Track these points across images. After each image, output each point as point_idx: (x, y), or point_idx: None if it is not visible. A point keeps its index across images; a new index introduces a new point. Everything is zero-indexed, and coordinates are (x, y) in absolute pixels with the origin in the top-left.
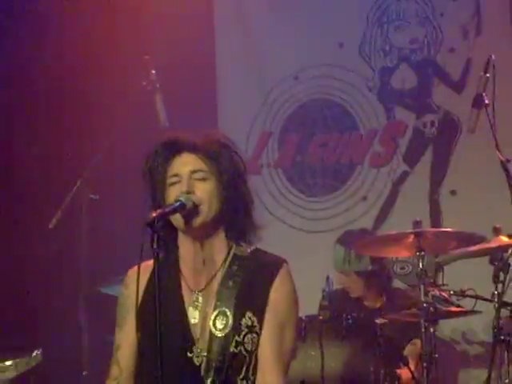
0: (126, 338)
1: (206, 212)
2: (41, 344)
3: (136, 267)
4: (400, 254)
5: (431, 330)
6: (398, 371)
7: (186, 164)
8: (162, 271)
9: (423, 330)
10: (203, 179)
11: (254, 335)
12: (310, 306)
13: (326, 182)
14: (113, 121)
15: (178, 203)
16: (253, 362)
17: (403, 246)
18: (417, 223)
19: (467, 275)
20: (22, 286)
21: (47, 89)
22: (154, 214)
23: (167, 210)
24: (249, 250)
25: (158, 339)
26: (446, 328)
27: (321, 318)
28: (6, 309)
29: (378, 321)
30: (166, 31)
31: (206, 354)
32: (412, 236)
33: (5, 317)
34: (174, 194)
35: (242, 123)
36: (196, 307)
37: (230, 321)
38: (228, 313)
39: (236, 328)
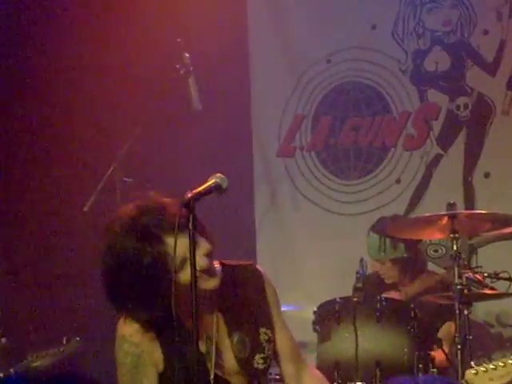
0: None
1: (220, 274)
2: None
3: (131, 326)
4: (434, 236)
5: (465, 312)
6: (432, 353)
7: (205, 247)
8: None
9: (457, 312)
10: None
11: (272, 343)
12: (343, 288)
13: (359, 165)
14: (147, 104)
15: (213, 184)
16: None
17: (437, 228)
18: (451, 205)
19: (501, 257)
20: (56, 272)
21: (79, 76)
22: (190, 195)
23: (202, 190)
24: (219, 266)
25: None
26: (480, 311)
27: (355, 300)
28: (44, 298)
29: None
30: (199, 16)
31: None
32: (446, 218)
33: (43, 306)
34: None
35: (275, 107)
36: (215, 350)
37: (247, 339)
38: (242, 335)
39: (257, 347)
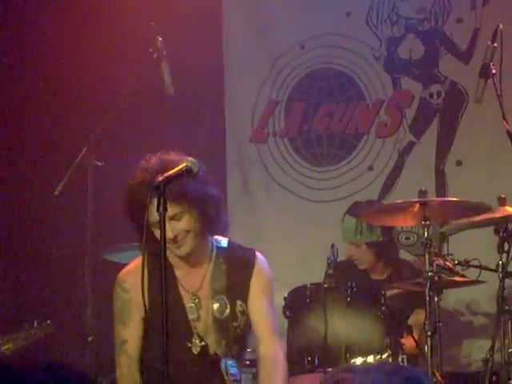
0: (132, 334)
1: (191, 243)
2: (47, 312)
3: (130, 271)
4: (406, 223)
5: (435, 299)
6: (402, 340)
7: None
8: (157, 276)
9: (427, 299)
10: (179, 219)
11: (246, 317)
12: (315, 275)
13: (332, 152)
14: (118, 87)
15: (184, 168)
16: (244, 340)
17: (409, 215)
18: (422, 193)
19: (472, 245)
20: (26, 255)
21: (51, 56)
22: (160, 178)
23: (173, 174)
24: (226, 242)
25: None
26: (451, 298)
27: (326, 285)
28: (12, 279)
29: (387, 292)
30: (173, 0)
31: (204, 342)
32: (417, 205)
33: (11, 287)
34: (157, 234)
35: (248, 92)
36: (195, 305)
37: (228, 306)
38: (225, 299)
39: (233, 315)
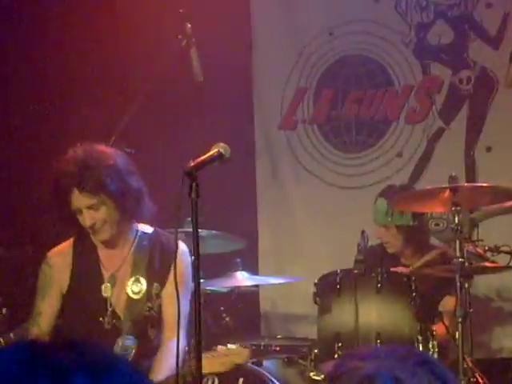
0: (47, 307)
1: (109, 231)
2: None
3: (57, 250)
4: (435, 209)
5: (466, 285)
6: (433, 326)
7: (79, 202)
8: (82, 255)
9: (458, 285)
10: (96, 209)
11: (160, 300)
12: (346, 261)
13: (360, 139)
14: (147, 74)
15: (216, 153)
16: (160, 322)
17: (439, 201)
18: (452, 178)
19: (502, 231)
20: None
21: (81, 43)
22: (192, 164)
23: (205, 159)
24: (151, 229)
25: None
26: (481, 285)
27: (355, 272)
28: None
29: (413, 275)
30: None
31: (115, 320)
32: (447, 191)
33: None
34: (81, 220)
35: (277, 79)
36: (114, 283)
37: (144, 287)
38: (142, 280)
39: (149, 296)
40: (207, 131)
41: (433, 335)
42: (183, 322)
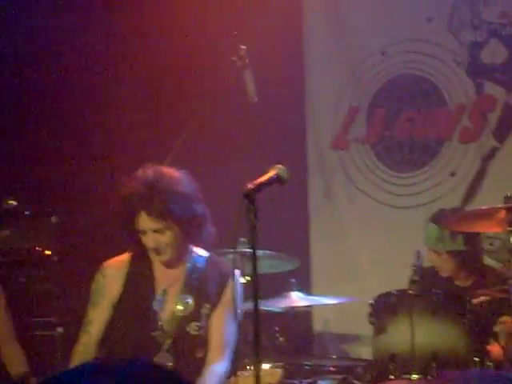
0: (98, 317)
1: (171, 253)
2: None
3: (113, 262)
4: (490, 229)
5: None
6: (489, 347)
7: (145, 224)
8: (137, 269)
9: None
10: (161, 232)
11: (208, 319)
12: (398, 281)
13: (413, 158)
14: (202, 96)
15: (275, 175)
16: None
17: (494, 221)
18: (508, 198)
19: None
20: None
21: (141, 64)
22: (251, 186)
23: (264, 181)
24: (206, 253)
25: None
26: None
27: (411, 292)
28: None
29: (473, 300)
30: (253, 6)
31: (167, 332)
32: (503, 211)
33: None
34: (144, 241)
35: (329, 98)
36: (164, 300)
37: (192, 306)
38: (189, 300)
39: (196, 315)
40: (261, 151)
41: (488, 356)
42: (229, 349)
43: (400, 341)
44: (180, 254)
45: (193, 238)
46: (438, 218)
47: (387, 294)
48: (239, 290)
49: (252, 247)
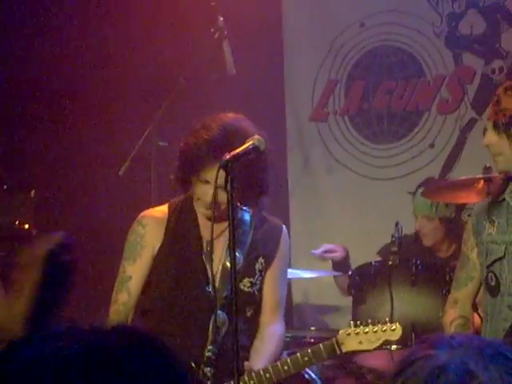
0: (139, 271)
1: (223, 211)
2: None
3: (152, 212)
4: (470, 200)
5: None
6: None
7: (213, 177)
8: (179, 219)
9: None
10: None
11: (262, 278)
12: (375, 252)
13: (392, 129)
14: (180, 67)
15: (251, 146)
16: (261, 299)
17: (473, 191)
18: (487, 169)
19: None
20: (90, 239)
21: (115, 39)
22: (228, 156)
23: (240, 152)
24: (249, 209)
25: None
26: None
27: (390, 263)
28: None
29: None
30: None
31: (217, 289)
32: (482, 181)
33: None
34: (200, 191)
35: (308, 71)
36: (211, 252)
37: (241, 262)
38: (239, 254)
39: (250, 271)
40: None
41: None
42: (283, 307)
43: (379, 311)
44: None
45: (250, 204)
46: (427, 185)
47: (366, 265)
48: (289, 247)
49: (231, 219)
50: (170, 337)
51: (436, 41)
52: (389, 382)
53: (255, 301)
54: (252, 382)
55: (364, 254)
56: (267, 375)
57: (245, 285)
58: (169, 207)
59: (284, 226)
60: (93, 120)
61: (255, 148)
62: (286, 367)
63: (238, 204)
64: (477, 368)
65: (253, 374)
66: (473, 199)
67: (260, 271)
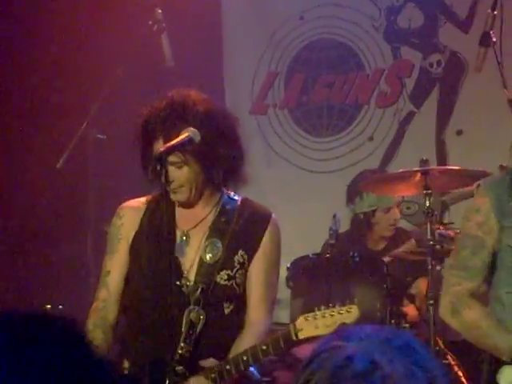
0: (117, 265)
1: (187, 193)
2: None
3: (130, 202)
4: (407, 192)
5: (437, 268)
6: (404, 309)
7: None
8: (155, 210)
9: (430, 268)
10: (179, 167)
11: (245, 271)
12: (316, 244)
13: (331, 123)
14: (118, 60)
15: (186, 138)
16: (243, 296)
17: (410, 184)
18: (423, 162)
19: None
20: (26, 230)
21: (54, 32)
22: (162, 149)
23: (176, 144)
24: (239, 197)
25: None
26: None
27: (328, 256)
28: (14, 256)
29: (386, 259)
30: None
31: (193, 282)
32: (419, 174)
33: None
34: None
35: (247, 64)
36: (187, 243)
37: (220, 252)
38: (219, 244)
39: (228, 263)
40: None
41: (405, 318)
42: (270, 303)
43: (316, 304)
44: (202, 194)
45: (215, 183)
46: (358, 181)
47: (304, 258)
48: (279, 241)
49: (164, 211)
50: (144, 333)
51: (375, 34)
52: (297, 375)
53: (235, 296)
54: (213, 374)
55: (304, 247)
56: (227, 367)
57: (222, 277)
58: (149, 198)
59: (274, 216)
60: (31, 113)
61: (190, 139)
62: (245, 357)
63: (225, 191)
64: (381, 359)
65: (214, 366)
66: (409, 192)
67: (241, 264)
